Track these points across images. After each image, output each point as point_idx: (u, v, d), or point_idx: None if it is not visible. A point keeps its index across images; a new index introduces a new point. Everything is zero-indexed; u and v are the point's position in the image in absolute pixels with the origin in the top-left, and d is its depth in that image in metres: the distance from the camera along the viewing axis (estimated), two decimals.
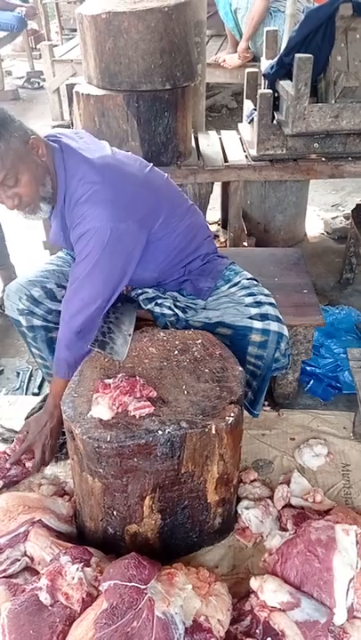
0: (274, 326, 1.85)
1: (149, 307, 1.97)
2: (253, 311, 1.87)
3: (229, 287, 1.96)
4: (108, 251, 1.69)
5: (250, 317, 1.86)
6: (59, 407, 1.71)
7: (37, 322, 1.94)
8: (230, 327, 1.89)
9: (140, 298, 1.99)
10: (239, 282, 1.97)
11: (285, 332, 1.89)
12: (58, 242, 1.90)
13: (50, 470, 2.05)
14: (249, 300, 1.91)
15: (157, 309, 1.95)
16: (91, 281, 1.72)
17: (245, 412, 1.89)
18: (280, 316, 1.90)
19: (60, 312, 1.90)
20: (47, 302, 1.94)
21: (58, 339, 1.84)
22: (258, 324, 1.85)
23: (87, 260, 1.71)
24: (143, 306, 1.99)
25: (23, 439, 1.98)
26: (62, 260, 2.09)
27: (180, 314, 1.94)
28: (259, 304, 1.89)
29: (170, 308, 1.95)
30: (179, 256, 1.93)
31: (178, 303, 1.98)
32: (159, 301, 1.96)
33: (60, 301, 1.93)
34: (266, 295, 1.94)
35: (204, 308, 1.95)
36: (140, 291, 2.01)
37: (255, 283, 1.99)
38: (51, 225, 1.87)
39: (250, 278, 2.00)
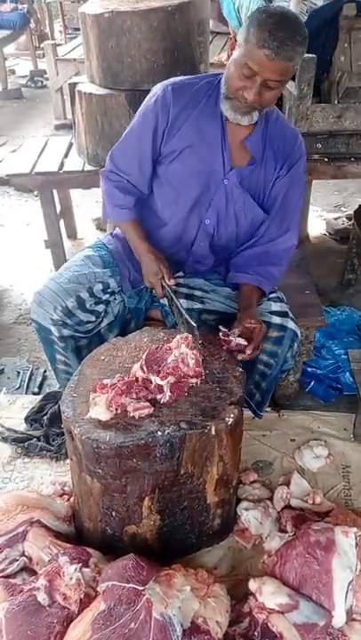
0: (291, 324, 1.88)
1: (162, 300, 1.96)
2: (275, 307, 1.90)
3: None
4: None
5: (270, 312, 1.88)
6: (140, 245, 1.88)
7: (67, 332, 1.89)
8: None
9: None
10: None
11: (299, 333, 1.91)
12: (256, 149, 1.83)
13: (49, 471, 2.05)
14: (272, 295, 1.96)
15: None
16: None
17: (246, 414, 1.88)
18: (295, 319, 1.93)
19: (88, 322, 1.91)
20: (78, 313, 1.89)
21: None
22: (277, 319, 1.87)
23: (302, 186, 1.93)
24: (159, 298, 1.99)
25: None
26: (92, 261, 1.99)
27: (197, 305, 1.94)
28: (280, 302, 1.93)
29: (187, 296, 1.94)
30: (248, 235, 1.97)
31: (196, 292, 1.96)
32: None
33: (89, 311, 1.90)
34: (285, 300, 1.98)
35: (228, 297, 1.97)
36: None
37: (277, 290, 2.04)
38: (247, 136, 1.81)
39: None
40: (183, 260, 2.00)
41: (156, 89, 1.82)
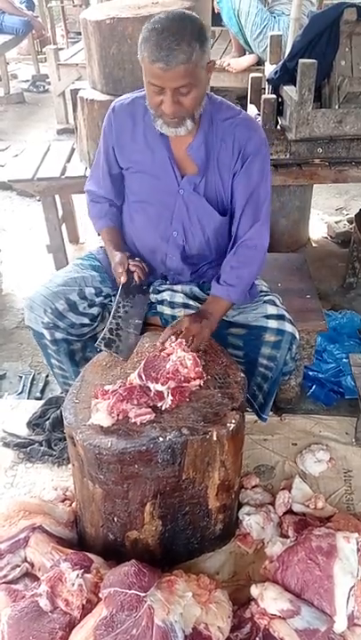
0: (288, 327, 1.87)
1: (160, 308, 1.96)
2: (270, 309, 1.88)
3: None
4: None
5: (266, 316, 1.87)
6: (110, 252, 1.93)
7: (60, 335, 1.90)
8: (245, 327, 1.90)
9: (153, 298, 1.99)
10: (258, 284, 2.01)
11: (297, 335, 1.90)
12: (197, 155, 1.80)
13: (51, 476, 2.06)
14: (267, 298, 1.95)
15: (168, 311, 1.94)
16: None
17: (248, 418, 1.88)
18: (293, 321, 1.92)
19: (82, 325, 1.92)
20: (70, 315, 1.90)
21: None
22: (273, 324, 1.86)
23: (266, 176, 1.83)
24: (156, 300, 2.00)
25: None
26: (82, 267, 2.03)
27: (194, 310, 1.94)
28: (275, 305, 1.92)
29: (184, 305, 1.93)
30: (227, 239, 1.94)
31: (192, 301, 1.95)
32: (169, 299, 1.96)
33: (83, 314, 1.91)
34: (281, 302, 1.97)
35: None
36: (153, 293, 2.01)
37: (272, 291, 2.03)
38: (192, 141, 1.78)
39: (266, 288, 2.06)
40: (164, 274, 2.01)
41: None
